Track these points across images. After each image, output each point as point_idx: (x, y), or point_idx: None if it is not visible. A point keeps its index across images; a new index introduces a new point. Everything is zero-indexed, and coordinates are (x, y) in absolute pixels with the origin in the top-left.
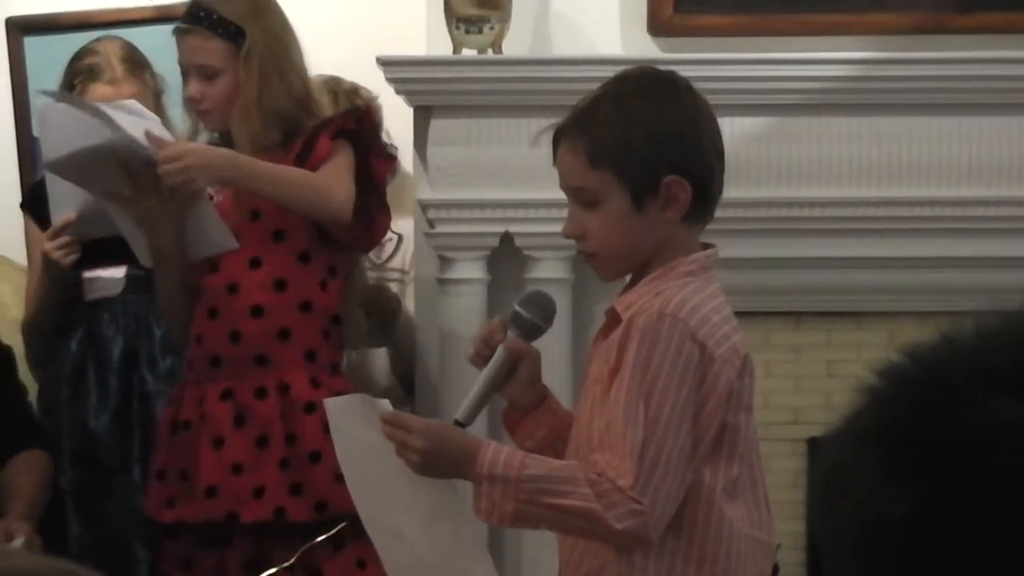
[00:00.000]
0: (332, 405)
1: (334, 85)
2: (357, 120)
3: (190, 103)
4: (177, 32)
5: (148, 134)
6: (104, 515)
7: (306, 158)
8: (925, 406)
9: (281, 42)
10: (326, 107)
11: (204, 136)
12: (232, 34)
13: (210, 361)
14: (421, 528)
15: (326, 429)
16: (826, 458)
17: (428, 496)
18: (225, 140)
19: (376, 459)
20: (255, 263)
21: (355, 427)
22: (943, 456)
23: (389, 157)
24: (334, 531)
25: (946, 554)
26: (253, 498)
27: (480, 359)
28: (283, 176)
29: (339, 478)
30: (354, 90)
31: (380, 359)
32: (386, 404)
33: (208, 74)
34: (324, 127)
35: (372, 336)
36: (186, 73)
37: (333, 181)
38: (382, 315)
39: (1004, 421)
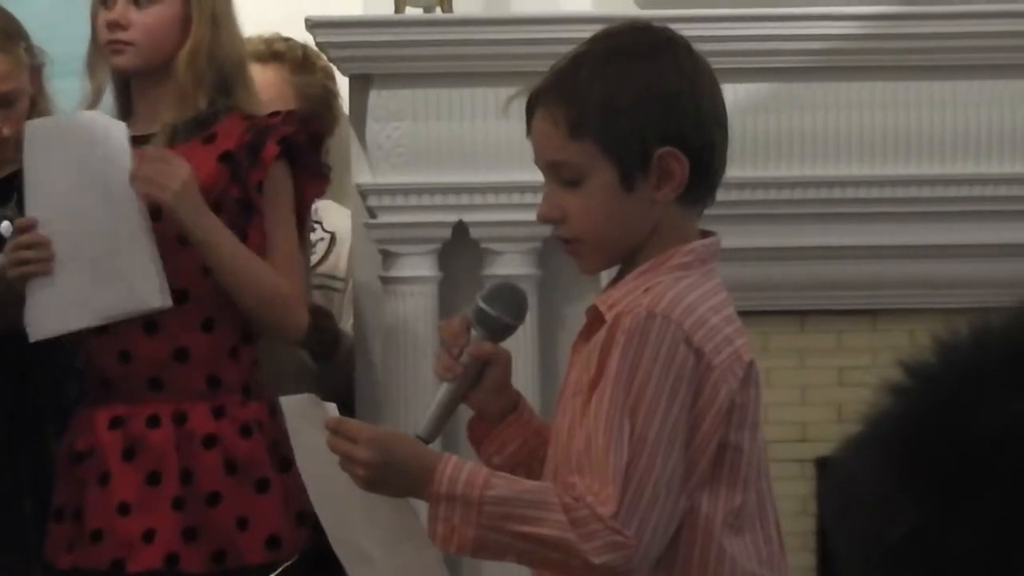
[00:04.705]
0: (288, 404)
1: (315, 59)
2: (308, 133)
3: (109, 29)
4: None
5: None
6: None
7: (252, 163)
8: (955, 410)
9: None
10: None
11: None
12: None
13: (100, 383)
14: (384, 549)
15: (228, 469)
16: (840, 466)
17: (388, 512)
18: (122, 93)
19: (334, 468)
20: None
21: (312, 431)
22: (962, 460)
23: (323, 177)
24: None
25: (956, 563)
26: (142, 543)
27: (449, 372)
28: (248, 269)
29: (240, 524)
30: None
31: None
32: (332, 408)
33: None
34: (272, 129)
35: (305, 374)
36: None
37: (294, 293)
38: (317, 350)
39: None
